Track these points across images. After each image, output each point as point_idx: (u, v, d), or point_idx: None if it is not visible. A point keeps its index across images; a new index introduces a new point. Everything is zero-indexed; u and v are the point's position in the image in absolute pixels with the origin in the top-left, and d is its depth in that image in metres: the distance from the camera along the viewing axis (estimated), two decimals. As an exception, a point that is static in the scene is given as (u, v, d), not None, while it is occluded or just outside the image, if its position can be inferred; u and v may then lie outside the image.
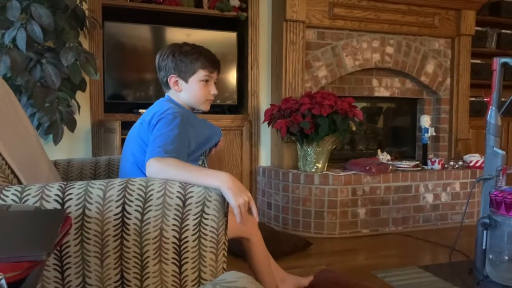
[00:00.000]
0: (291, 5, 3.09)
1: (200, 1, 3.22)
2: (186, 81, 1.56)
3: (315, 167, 3.00)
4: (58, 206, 1.08)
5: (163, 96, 1.63)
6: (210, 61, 1.57)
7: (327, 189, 2.91)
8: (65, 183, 1.13)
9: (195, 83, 1.56)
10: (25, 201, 1.08)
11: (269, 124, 3.10)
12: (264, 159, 3.37)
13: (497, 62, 2.22)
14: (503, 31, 4.21)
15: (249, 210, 1.22)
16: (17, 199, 1.08)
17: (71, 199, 1.09)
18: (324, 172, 3.01)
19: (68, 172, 1.73)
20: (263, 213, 3.23)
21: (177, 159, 1.28)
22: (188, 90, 1.57)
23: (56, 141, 2.54)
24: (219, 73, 1.63)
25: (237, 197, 1.17)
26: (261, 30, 3.30)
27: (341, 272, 2.21)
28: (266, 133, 3.35)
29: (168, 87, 1.59)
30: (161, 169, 1.24)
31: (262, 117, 3.23)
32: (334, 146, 3.09)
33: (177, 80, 1.56)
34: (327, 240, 2.86)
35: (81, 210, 1.09)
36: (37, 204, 1.08)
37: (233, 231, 1.47)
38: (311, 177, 2.93)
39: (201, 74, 1.55)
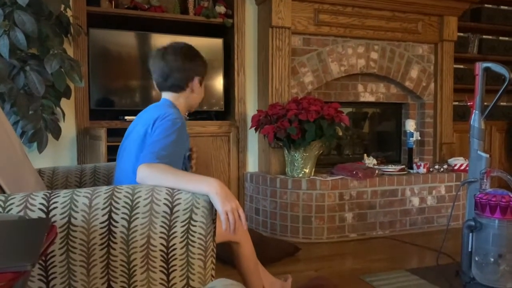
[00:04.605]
0: (276, 12, 3.11)
1: (185, 8, 3.22)
2: (201, 82, 1.65)
3: (303, 172, 3.01)
4: (43, 215, 1.06)
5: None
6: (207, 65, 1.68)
7: (315, 194, 2.92)
8: (50, 191, 1.11)
9: (202, 85, 1.66)
10: (9, 210, 1.06)
11: (256, 130, 3.10)
12: (252, 165, 3.37)
13: (479, 67, 2.27)
14: (484, 36, 4.29)
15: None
16: (0, 209, 1.06)
17: (56, 207, 1.07)
18: (311, 177, 3.02)
19: (53, 180, 1.71)
20: (251, 219, 3.22)
21: (167, 165, 1.27)
22: (199, 92, 1.64)
23: (40, 149, 2.50)
24: None
25: (224, 203, 1.17)
26: (247, 37, 3.31)
27: (330, 278, 2.22)
28: (253, 139, 3.35)
29: (179, 90, 1.59)
30: (150, 175, 1.24)
31: (249, 123, 3.23)
32: (321, 151, 3.11)
33: (199, 82, 1.63)
34: (315, 245, 2.86)
35: (66, 219, 1.07)
36: (21, 214, 1.06)
37: (223, 234, 1.46)
38: (298, 183, 2.93)
39: (202, 78, 1.66)
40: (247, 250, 1.66)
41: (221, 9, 3.24)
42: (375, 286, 2.13)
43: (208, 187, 1.18)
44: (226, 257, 1.79)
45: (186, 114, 1.67)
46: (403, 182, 3.17)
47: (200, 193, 1.18)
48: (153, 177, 1.23)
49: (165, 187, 1.18)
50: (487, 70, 2.25)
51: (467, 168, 2.37)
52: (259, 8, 3.30)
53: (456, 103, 3.94)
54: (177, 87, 1.59)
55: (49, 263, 1.07)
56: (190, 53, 1.60)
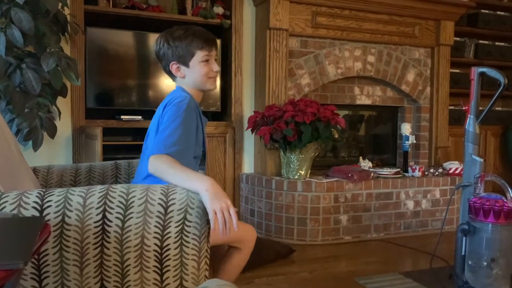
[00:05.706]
0: (274, 14, 3.12)
1: (183, 8, 3.22)
2: (187, 65, 1.54)
3: (298, 174, 3.01)
4: (37, 214, 1.06)
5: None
6: (206, 40, 1.54)
7: (310, 196, 2.92)
8: (44, 190, 1.11)
9: (196, 65, 1.54)
10: (2, 208, 1.05)
11: (252, 131, 3.10)
12: (247, 166, 3.37)
13: (475, 71, 2.28)
14: (480, 41, 4.31)
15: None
16: (-6, 207, 1.05)
17: (50, 206, 1.07)
18: (307, 179, 3.02)
19: (47, 179, 1.70)
20: (246, 220, 3.22)
21: (171, 158, 1.29)
22: (191, 74, 1.55)
23: (35, 147, 2.49)
24: (217, 49, 1.60)
25: (213, 201, 1.13)
26: (245, 38, 3.31)
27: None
28: (249, 140, 3.35)
29: (173, 75, 1.58)
30: (156, 168, 1.30)
31: (245, 124, 3.23)
32: (317, 153, 3.12)
33: (178, 66, 1.55)
34: (310, 247, 2.86)
35: (60, 217, 1.07)
36: (15, 212, 1.05)
37: (233, 236, 1.42)
38: (294, 184, 2.93)
39: (200, 55, 1.53)
40: (241, 257, 1.59)
41: (219, 9, 3.24)
42: (369, 289, 2.14)
43: (199, 185, 1.16)
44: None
45: (202, 93, 1.60)
46: (398, 185, 3.18)
47: (191, 190, 1.17)
48: (158, 170, 1.28)
49: (163, 184, 1.18)
50: (482, 75, 2.26)
51: (462, 172, 2.38)
52: (257, 10, 3.31)
53: (452, 107, 3.96)
54: (168, 73, 1.59)
55: (42, 261, 1.07)
56: (169, 38, 1.53)
